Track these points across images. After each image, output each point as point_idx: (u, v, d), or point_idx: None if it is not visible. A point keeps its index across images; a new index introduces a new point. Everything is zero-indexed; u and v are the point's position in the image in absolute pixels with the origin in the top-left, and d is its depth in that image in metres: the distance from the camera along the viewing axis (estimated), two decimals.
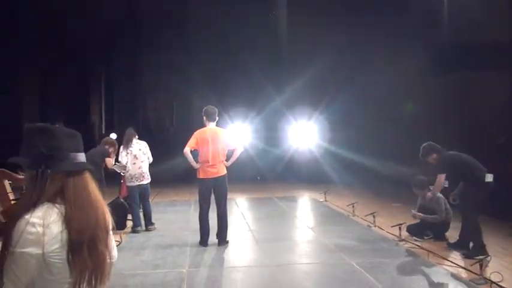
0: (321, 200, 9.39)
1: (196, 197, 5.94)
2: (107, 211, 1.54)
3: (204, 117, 5.82)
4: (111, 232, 1.57)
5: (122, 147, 6.74)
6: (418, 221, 6.02)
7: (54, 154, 1.42)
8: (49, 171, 1.41)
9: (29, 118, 14.67)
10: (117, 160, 6.79)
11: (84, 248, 1.41)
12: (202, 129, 5.81)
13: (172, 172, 10.85)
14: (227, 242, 5.88)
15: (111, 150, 6.63)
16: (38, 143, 1.43)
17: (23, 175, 4.55)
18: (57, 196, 1.43)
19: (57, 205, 1.42)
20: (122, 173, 6.92)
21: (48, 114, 14.33)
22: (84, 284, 1.43)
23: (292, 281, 4.61)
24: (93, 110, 16.37)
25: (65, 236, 1.38)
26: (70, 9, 12.99)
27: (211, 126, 5.79)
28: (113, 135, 13.15)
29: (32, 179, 1.43)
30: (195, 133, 5.79)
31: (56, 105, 14.71)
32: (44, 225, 1.36)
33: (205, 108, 5.87)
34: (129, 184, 6.73)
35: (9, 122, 11.40)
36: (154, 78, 16.18)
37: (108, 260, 1.51)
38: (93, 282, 1.46)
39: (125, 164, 6.63)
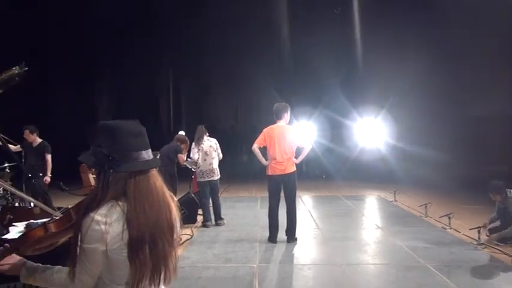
0: (390, 199, 9.09)
1: (264, 194, 6.00)
2: (173, 208, 1.54)
3: (274, 115, 5.86)
4: (177, 228, 1.58)
5: (193, 144, 6.96)
6: (497, 224, 5.68)
7: (114, 155, 1.44)
8: (111, 171, 1.44)
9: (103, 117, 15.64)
10: (188, 156, 7.04)
11: (144, 246, 1.43)
12: (270, 126, 5.85)
13: (239, 168, 11.03)
14: (296, 239, 5.87)
15: (183, 146, 6.89)
16: (101, 143, 1.47)
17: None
18: (120, 194, 1.46)
19: (120, 203, 1.46)
20: (192, 169, 7.16)
21: (121, 112, 15.12)
22: (146, 282, 1.46)
23: (366, 281, 4.51)
24: (162, 108, 17.00)
25: (126, 235, 1.42)
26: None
27: (280, 123, 5.82)
28: (182, 133, 13.64)
29: (98, 177, 1.49)
30: (263, 130, 5.85)
31: (127, 103, 15.49)
32: (107, 224, 1.41)
33: (275, 105, 5.92)
34: (200, 180, 6.94)
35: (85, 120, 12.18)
36: (221, 77, 16.50)
37: (173, 259, 1.53)
38: (156, 280, 1.48)
39: (196, 160, 6.85)
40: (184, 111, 17.15)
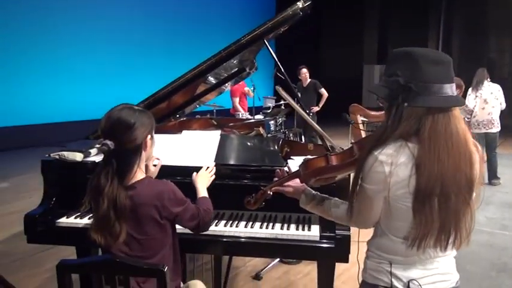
0: None
1: None
2: (475, 161, 1.22)
3: None
4: (480, 190, 1.27)
5: (470, 90, 6.09)
6: None
7: (413, 86, 1.18)
8: (405, 104, 1.18)
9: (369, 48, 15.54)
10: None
11: (433, 199, 1.17)
12: None
13: None
14: None
15: (457, 91, 6.10)
16: (397, 71, 1.21)
17: (378, 112, 4.65)
18: (411, 134, 1.21)
19: (410, 145, 1.21)
20: (466, 118, 6.31)
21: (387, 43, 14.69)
22: (431, 242, 1.21)
23: None
24: (430, 44, 15.64)
25: (413, 181, 1.18)
26: None
27: None
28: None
29: (388, 112, 1.25)
30: None
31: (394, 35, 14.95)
32: (392, 165, 1.19)
33: None
34: (474, 131, 6.06)
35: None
36: (500, 15, 13.84)
37: (467, 221, 1.24)
38: (443, 241, 1.22)
39: (471, 108, 5.99)
40: (455, 51, 15.32)
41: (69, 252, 3.34)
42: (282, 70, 2.79)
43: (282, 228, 2.15)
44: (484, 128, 5.97)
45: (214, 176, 2.09)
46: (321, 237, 2.07)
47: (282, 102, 7.76)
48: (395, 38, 15.54)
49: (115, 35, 10.23)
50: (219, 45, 2.67)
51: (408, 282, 1.29)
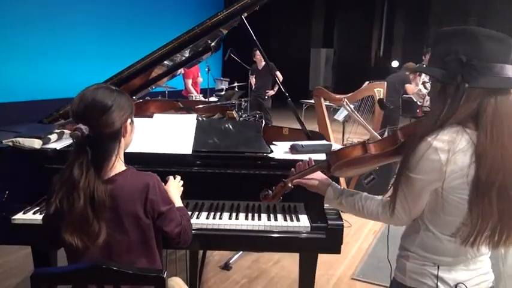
0: None
1: None
2: None
3: None
4: None
5: (424, 75, 6.25)
6: None
7: (474, 64, 1.06)
8: (466, 85, 1.07)
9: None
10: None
11: (492, 191, 1.06)
12: None
13: None
14: None
15: (411, 76, 6.26)
16: (455, 48, 1.10)
17: (339, 95, 4.59)
18: (470, 119, 1.10)
19: (468, 130, 1.10)
20: (418, 102, 6.51)
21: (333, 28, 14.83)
22: (486, 235, 1.11)
23: None
24: (375, 28, 16.03)
25: (472, 171, 1.07)
26: None
27: None
28: (395, 63, 12.79)
29: (443, 94, 1.13)
30: None
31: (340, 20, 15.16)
32: (450, 152, 1.07)
33: None
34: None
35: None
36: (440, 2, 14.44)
37: None
38: (497, 236, 1.12)
39: (425, 93, 6.16)
40: (399, 36, 15.83)
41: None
42: (261, 50, 2.61)
43: (269, 219, 2.01)
44: None
45: (182, 188, 1.84)
46: (312, 228, 1.95)
47: (236, 84, 7.58)
48: (342, 23, 15.80)
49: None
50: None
51: (455, 286, 1.20)
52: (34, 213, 1.95)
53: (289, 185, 1.45)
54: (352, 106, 6.04)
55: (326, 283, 3.04)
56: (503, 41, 1.11)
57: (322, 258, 2.14)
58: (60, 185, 1.38)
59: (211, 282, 3.02)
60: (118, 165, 1.46)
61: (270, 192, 1.48)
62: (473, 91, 1.09)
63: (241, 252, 3.38)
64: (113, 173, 1.44)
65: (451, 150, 1.09)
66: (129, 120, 1.49)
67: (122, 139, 1.48)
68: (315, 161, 1.48)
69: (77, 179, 1.34)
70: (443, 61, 1.12)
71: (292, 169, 1.50)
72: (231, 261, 3.27)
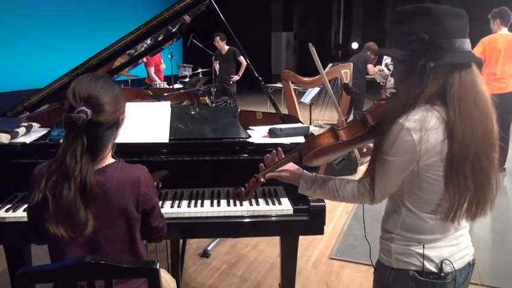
0: None
1: None
2: (494, 119, 1.15)
3: (498, 21, 4.83)
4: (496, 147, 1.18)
5: (385, 56, 6.38)
6: None
7: (437, 42, 1.08)
8: (431, 64, 1.08)
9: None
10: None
11: (466, 164, 1.10)
12: (492, 35, 4.88)
13: None
14: None
15: (373, 56, 6.38)
16: (416, 28, 1.11)
17: (307, 78, 4.60)
18: (436, 96, 1.12)
19: (437, 107, 1.12)
20: (381, 83, 6.64)
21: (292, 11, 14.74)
22: (464, 208, 1.15)
23: None
24: (333, 20, 16.21)
25: (445, 147, 1.09)
26: None
27: (504, 31, 4.81)
28: (355, 45, 13.02)
29: (408, 74, 1.14)
30: (482, 40, 4.90)
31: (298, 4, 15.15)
32: (422, 131, 1.09)
33: (499, 9, 4.85)
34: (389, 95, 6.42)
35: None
36: None
37: (493, 185, 1.18)
38: (473, 208, 1.16)
39: (388, 73, 6.30)
40: (357, 19, 16.05)
41: None
42: (237, 40, 2.56)
43: (251, 204, 2.00)
44: None
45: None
46: (295, 210, 1.96)
47: (200, 70, 7.46)
48: (300, 6, 15.82)
49: None
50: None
51: (441, 263, 1.21)
52: (6, 210, 1.85)
53: (262, 179, 1.42)
54: (318, 89, 6.14)
55: (305, 264, 3.09)
56: (462, 16, 1.13)
57: (299, 240, 2.16)
58: (50, 174, 1.31)
59: (192, 270, 3.00)
60: (109, 156, 1.41)
61: (243, 189, 1.45)
62: (438, 68, 1.10)
63: (218, 238, 3.37)
64: (103, 164, 1.38)
65: (423, 128, 1.10)
66: (125, 113, 1.46)
67: (119, 129, 1.44)
68: (288, 146, 1.46)
69: (71, 169, 1.27)
70: (405, 41, 1.13)
71: (261, 164, 1.47)
72: (209, 248, 3.26)
